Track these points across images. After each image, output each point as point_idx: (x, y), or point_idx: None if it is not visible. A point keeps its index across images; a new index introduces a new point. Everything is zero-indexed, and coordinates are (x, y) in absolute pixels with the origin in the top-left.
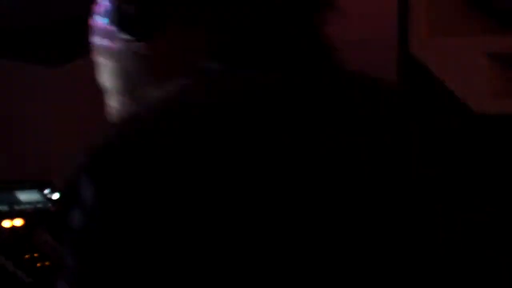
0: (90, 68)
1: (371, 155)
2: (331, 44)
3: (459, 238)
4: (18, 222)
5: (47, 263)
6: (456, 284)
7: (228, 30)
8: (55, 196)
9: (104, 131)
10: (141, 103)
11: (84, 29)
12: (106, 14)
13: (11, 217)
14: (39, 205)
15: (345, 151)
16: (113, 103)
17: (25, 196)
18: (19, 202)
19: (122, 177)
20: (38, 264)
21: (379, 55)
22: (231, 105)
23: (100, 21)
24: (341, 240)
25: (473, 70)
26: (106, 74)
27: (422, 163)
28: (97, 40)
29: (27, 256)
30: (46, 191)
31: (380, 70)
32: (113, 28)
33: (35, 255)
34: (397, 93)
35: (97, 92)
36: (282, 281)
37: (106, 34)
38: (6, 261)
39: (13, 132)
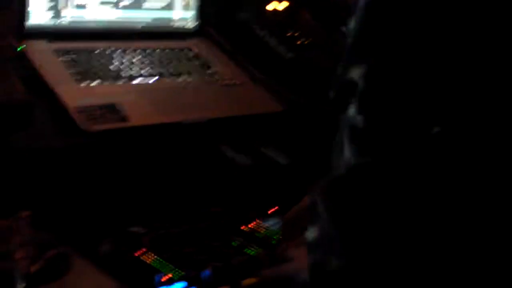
0: None
1: None
2: None
3: None
4: (282, 6)
5: (306, 41)
6: None
7: None
8: None
9: None
10: None
11: None
12: None
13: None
14: None
15: None
16: None
17: None
18: None
19: None
20: (299, 42)
21: None
22: None
23: None
24: None
25: None
26: None
27: None
28: None
29: (289, 33)
30: None
31: None
32: None
33: (296, 34)
34: None
35: None
36: None
37: None
38: (270, 37)
39: None
